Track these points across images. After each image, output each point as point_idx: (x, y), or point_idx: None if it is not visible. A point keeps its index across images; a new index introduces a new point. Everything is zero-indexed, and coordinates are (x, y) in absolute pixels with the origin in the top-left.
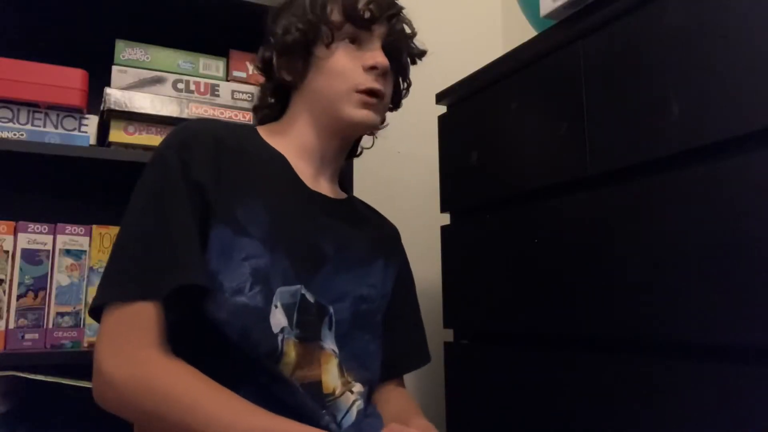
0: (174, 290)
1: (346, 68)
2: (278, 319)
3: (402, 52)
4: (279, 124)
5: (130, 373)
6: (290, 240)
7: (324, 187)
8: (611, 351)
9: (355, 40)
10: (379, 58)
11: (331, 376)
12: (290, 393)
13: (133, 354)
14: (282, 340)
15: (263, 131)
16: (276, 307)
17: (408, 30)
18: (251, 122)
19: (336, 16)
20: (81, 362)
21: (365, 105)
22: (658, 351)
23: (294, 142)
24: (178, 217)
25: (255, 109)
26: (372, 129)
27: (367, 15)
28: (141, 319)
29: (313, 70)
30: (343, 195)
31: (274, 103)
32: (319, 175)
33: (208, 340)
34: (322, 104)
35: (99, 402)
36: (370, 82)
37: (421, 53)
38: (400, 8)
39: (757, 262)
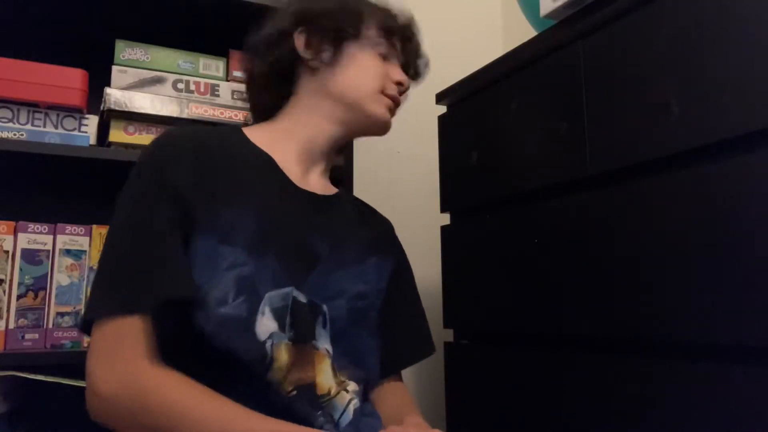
0: (160, 304)
1: (380, 72)
2: (266, 325)
3: (416, 77)
4: (272, 121)
5: (122, 386)
6: (280, 242)
7: (313, 184)
8: (611, 351)
9: (382, 55)
10: (405, 78)
11: (325, 377)
12: (280, 399)
13: (124, 367)
14: (271, 346)
15: (249, 131)
16: (263, 314)
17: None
18: (250, 123)
19: (372, 28)
20: (81, 362)
21: (390, 109)
22: (658, 351)
23: (285, 138)
24: (160, 230)
25: (253, 107)
26: (385, 131)
27: (406, 33)
28: (129, 332)
29: (344, 62)
30: (333, 190)
31: (275, 93)
32: (308, 171)
33: (197, 351)
34: (348, 97)
35: (94, 417)
36: (395, 91)
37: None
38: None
39: (757, 262)
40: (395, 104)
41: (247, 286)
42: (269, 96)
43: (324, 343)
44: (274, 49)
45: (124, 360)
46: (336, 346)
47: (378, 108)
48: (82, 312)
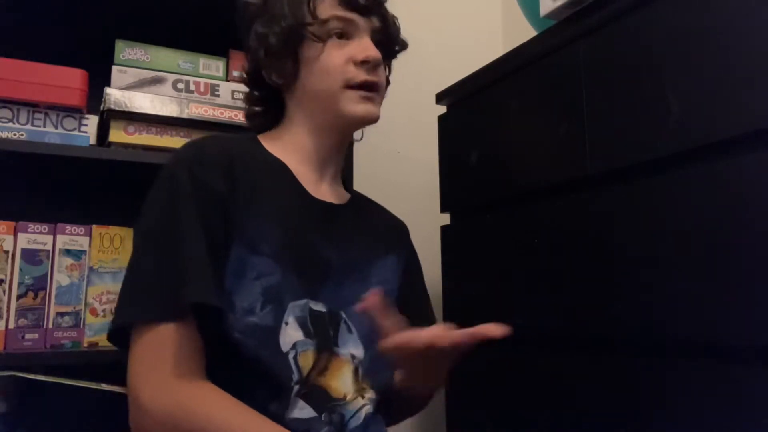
0: (191, 309)
1: (337, 64)
2: (290, 335)
3: (392, 42)
4: (277, 131)
5: (169, 403)
6: (299, 254)
7: (326, 192)
8: (611, 351)
9: (342, 35)
10: (371, 51)
11: (342, 382)
12: (291, 402)
13: (170, 383)
14: (295, 357)
15: (264, 139)
16: (287, 324)
17: (393, 20)
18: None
19: (324, 10)
20: (81, 362)
21: (364, 99)
22: (658, 351)
23: (294, 148)
24: (190, 238)
25: (248, 117)
26: (372, 122)
27: (363, 1)
28: (169, 342)
29: (304, 70)
30: (346, 196)
31: (267, 109)
32: (321, 179)
33: (225, 358)
34: (320, 104)
35: (134, 428)
36: (362, 75)
37: (405, 45)
38: None
39: (757, 262)
40: (369, 86)
41: (273, 295)
42: (265, 115)
43: (350, 348)
44: (254, 84)
45: (168, 374)
46: (367, 350)
47: (350, 106)
48: (113, 318)
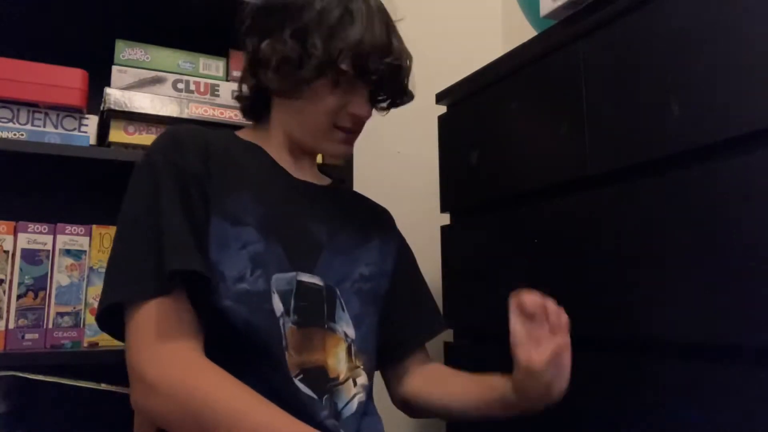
0: (179, 281)
1: (333, 109)
2: (277, 304)
3: (397, 95)
4: (257, 127)
5: (177, 377)
6: (282, 228)
7: (307, 174)
8: (611, 351)
9: (344, 84)
10: (362, 111)
11: (337, 360)
12: (287, 382)
13: (175, 355)
14: (283, 325)
15: (242, 134)
16: (273, 293)
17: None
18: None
19: (345, 63)
20: (81, 362)
21: (344, 141)
22: (658, 351)
23: (271, 140)
24: (171, 215)
25: (239, 98)
26: (344, 160)
27: (374, 77)
28: (165, 316)
29: (304, 98)
30: (327, 180)
31: (254, 99)
32: (300, 161)
33: (214, 330)
34: (303, 130)
35: (140, 408)
36: (350, 123)
37: (410, 97)
38: (408, 68)
39: (757, 262)
40: (352, 133)
41: (260, 263)
42: (251, 101)
43: (343, 327)
44: (252, 71)
45: (168, 345)
46: (357, 329)
47: (330, 145)
48: (99, 300)
